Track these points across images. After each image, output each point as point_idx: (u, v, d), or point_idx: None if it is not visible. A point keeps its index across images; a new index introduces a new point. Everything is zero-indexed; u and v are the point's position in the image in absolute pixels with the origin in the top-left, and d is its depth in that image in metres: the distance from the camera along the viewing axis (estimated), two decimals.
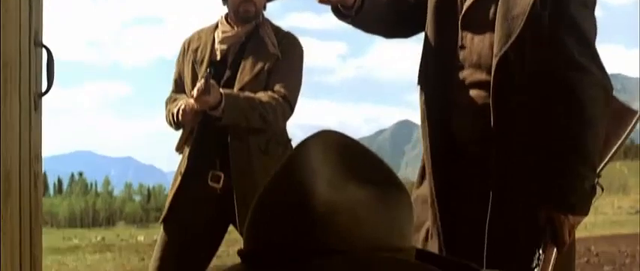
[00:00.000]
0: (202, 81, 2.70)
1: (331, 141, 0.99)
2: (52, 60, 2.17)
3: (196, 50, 2.98)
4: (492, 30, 2.09)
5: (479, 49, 2.14)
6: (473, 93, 2.15)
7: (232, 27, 2.99)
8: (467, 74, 2.16)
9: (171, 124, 2.99)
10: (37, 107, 2.14)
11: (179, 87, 3.05)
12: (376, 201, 0.94)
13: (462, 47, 2.17)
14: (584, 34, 2.03)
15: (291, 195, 0.94)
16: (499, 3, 2.08)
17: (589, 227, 15.93)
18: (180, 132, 3.02)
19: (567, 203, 1.97)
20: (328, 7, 2.27)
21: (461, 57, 2.17)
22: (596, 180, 2.06)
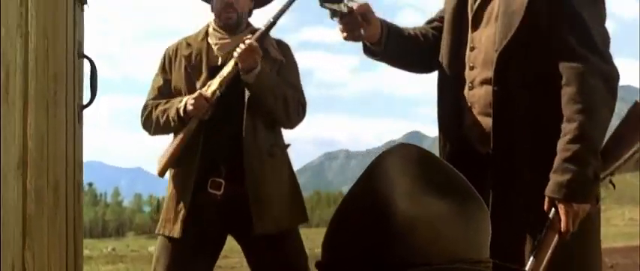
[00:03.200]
0: (256, 36, 2.79)
1: (410, 154, 1.00)
2: (96, 71, 2.19)
3: (189, 57, 2.96)
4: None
5: (485, 46, 2.18)
6: (481, 91, 2.20)
7: (226, 35, 3.01)
8: (476, 73, 2.21)
9: (162, 126, 2.93)
10: (80, 118, 2.16)
11: (164, 94, 3.01)
12: (454, 214, 0.95)
13: (473, 49, 2.23)
14: (584, 23, 2.04)
15: (370, 208, 0.95)
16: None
17: (601, 238, 15.79)
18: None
19: (570, 190, 1.97)
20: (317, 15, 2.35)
21: (472, 58, 2.23)
22: (609, 178, 2.08)
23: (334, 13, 2.26)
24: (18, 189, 1.53)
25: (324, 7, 2.25)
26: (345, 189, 1.42)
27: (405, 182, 0.96)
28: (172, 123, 2.87)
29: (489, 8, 2.19)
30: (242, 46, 2.79)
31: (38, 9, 1.72)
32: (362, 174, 0.99)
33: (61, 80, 1.95)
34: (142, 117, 3.01)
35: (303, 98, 3.02)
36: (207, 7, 3.06)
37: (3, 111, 1.40)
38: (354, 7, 2.26)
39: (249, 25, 3.05)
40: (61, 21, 1.97)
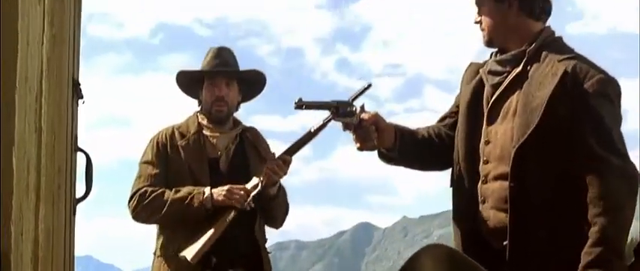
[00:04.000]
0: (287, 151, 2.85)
1: (440, 255, 1.05)
2: (91, 164, 2.20)
3: (187, 147, 3.00)
4: (514, 122, 2.20)
5: (502, 141, 2.22)
6: (495, 185, 2.22)
7: (215, 128, 3.07)
8: (491, 167, 2.24)
9: (175, 213, 2.89)
10: (75, 212, 2.16)
11: (157, 183, 2.98)
12: None
13: (487, 142, 2.26)
14: (604, 124, 2.10)
15: None
16: (521, 94, 2.20)
17: None
18: (150, 232, 3.01)
19: None
20: (293, 110, 2.44)
21: (486, 152, 2.26)
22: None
23: (347, 126, 2.35)
24: None
25: (337, 120, 2.34)
26: None
27: None
28: (192, 212, 2.86)
29: (507, 103, 2.23)
30: (273, 162, 2.85)
31: (49, 105, 1.76)
32: None
33: (62, 174, 1.97)
34: (137, 202, 2.96)
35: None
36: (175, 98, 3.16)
37: (23, 208, 1.41)
38: (365, 118, 2.35)
39: (234, 119, 3.13)
40: (63, 116, 2.00)
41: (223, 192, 2.86)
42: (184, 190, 2.92)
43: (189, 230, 2.88)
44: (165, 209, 2.90)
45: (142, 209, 2.93)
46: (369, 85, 2.50)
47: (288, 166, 2.86)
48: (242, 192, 2.86)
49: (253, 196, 2.85)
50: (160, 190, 2.94)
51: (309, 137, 2.77)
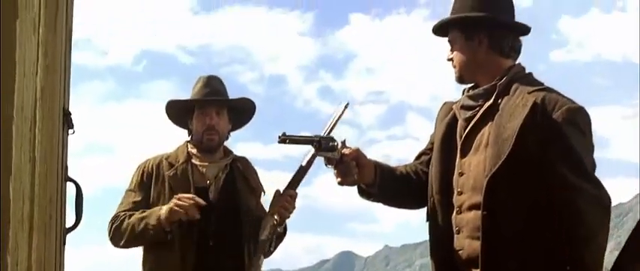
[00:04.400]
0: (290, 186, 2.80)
1: None
2: (81, 194, 2.20)
3: (175, 177, 3.00)
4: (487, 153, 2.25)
5: (475, 172, 2.27)
6: (470, 215, 2.27)
7: (204, 157, 3.07)
8: (465, 198, 2.29)
9: (136, 235, 2.91)
10: (64, 242, 2.15)
11: (138, 210, 3.01)
12: None
13: (461, 174, 2.32)
14: (574, 152, 2.15)
15: None
16: (493, 126, 2.24)
17: None
18: (136, 259, 3.00)
19: None
20: (275, 138, 2.49)
21: (460, 183, 2.31)
22: None
23: (329, 161, 2.38)
24: None
25: (319, 155, 2.38)
26: None
27: None
28: (151, 232, 2.84)
29: (479, 135, 2.29)
30: (282, 199, 2.84)
31: (42, 135, 1.76)
32: None
33: (54, 204, 1.96)
34: (111, 227, 2.98)
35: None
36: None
37: (18, 238, 1.41)
38: (346, 153, 2.38)
39: (225, 148, 3.14)
40: (55, 145, 2.00)
41: (168, 208, 2.81)
42: (146, 212, 2.92)
43: (176, 257, 2.88)
44: (126, 234, 2.90)
45: (114, 234, 2.97)
46: (347, 105, 2.54)
47: (295, 201, 2.85)
48: (190, 201, 2.81)
49: (271, 239, 2.83)
50: (129, 214, 2.95)
51: (303, 172, 2.78)
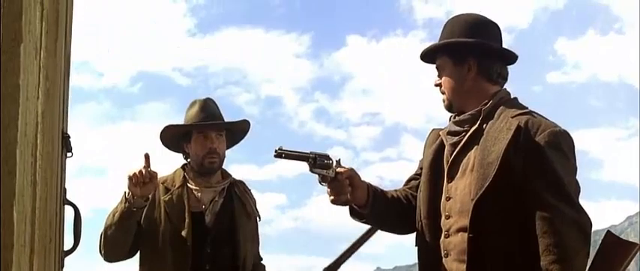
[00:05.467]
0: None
1: None
2: (80, 218, 2.20)
3: (170, 202, 2.98)
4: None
5: (461, 196, 2.30)
6: (457, 238, 2.30)
7: (202, 181, 3.07)
8: (453, 221, 2.32)
9: (115, 229, 2.88)
10: (63, 265, 2.14)
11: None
12: None
13: (448, 198, 2.34)
14: (555, 174, 2.17)
15: None
16: (478, 150, 2.27)
17: None
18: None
19: None
20: (270, 159, 2.48)
21: (447, 207, 2.34)
22: None
23: (323, 178, 2.39)
24: None
25: (314, 172, 2.38)
26: None
27: None
28: (123, 215, 2.82)
29: (466, 160, 2.32)
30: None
31: (42, 158, 1.76)
32: None
33: (53, 227, 1.96)
34: (100, 243, 2.96)
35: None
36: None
37: (21, 262, 1.41)
38: (341, 172, 2.40)
39: (223, 172, 3.14)
40: (54, 169, 2.00)
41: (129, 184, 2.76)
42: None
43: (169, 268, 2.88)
44: (108, 235, 2.87)
45: (102, 247, 2.96)
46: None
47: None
48: (140, 170, 2.74)
49: None
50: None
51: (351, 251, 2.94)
